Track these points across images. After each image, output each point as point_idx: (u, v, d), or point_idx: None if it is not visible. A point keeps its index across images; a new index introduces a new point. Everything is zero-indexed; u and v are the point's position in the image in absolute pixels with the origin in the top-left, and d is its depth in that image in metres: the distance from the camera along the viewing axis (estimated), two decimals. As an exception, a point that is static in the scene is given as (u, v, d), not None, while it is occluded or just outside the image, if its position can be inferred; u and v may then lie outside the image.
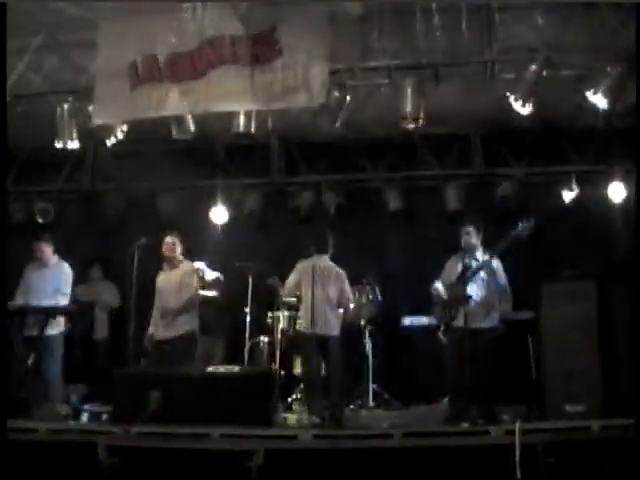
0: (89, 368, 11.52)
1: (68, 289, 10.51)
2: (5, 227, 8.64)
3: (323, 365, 10.44)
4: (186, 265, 10.75)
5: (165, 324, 10.45)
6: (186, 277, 10.62)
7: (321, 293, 9.89)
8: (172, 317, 10.48)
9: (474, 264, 9.43)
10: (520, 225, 9.35)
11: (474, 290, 9.34)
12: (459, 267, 9.48)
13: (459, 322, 9.24)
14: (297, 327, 10.72)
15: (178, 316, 10.49)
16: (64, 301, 10.37)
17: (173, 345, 10.34)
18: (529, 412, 8.94)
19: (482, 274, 9.41)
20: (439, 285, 9.69)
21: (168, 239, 10.60)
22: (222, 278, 11.49)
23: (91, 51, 9.89)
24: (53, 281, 10.40)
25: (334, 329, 10.00)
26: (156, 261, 10.76)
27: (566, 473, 6.64)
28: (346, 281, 10.20)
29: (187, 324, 10.52)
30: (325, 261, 10.20)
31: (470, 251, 9.47)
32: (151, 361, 10.33)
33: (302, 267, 10.16)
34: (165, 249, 10.57)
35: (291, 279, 10.30)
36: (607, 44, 9.32)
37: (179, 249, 10.70)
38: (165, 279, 10.65)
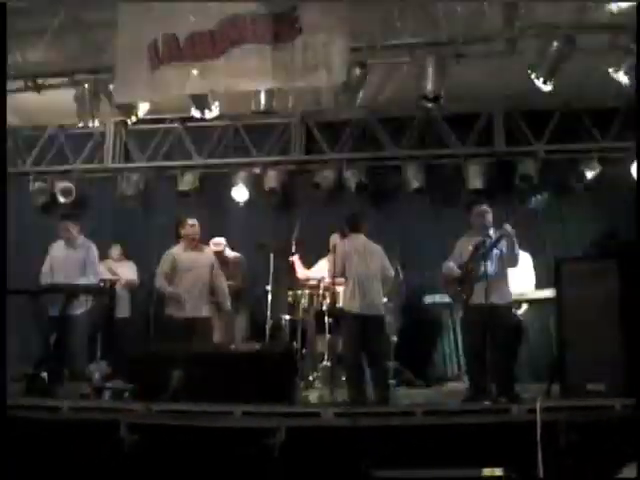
0: (111, 347, 11.57)
1: (95, 268, 10.53)
2: (5, 215, 8.63)
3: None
4: (208, 249, 10.86)
5: (193, 304, 10.50)
6: (210, 260, 10.69)
7: (369, 271, 9.80)
8: (198, 297, 10.53)
9: (487, 241, 9.38)
10: (533, 198, 9.31)
11: (489, 267, 9.28)
12: (470, 246, 9.43)
13: (475, 299, 9.21)
14: (343, 306, 10.49)
15: (201, 297, 10.55)
16: (93, 280, 10.39)
17: (193, 326, 10.38)
18: (550, 390, 8.94)
19: (496, 251, 9.35)
20: (451, 264, 9.62)
21: (193, 222, 10.60)
22: (243, 259, 11.53)
23: (112, 31, 9.90)
24: (80, 261, 10.41)
25: (382, 307, 9.94)
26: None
27: (587, 451, 6.63)
28: (385, 257, 10.11)
29: (207, 307, 10.59)
30: (364, 239, 10.10)
31: (485, 230, 9.42)
32: (171, 340, 10.36)
33: (345, 246, 10.00)
34: (192, 232, 10.57)
35: (338, 260, 10.07)
36: (629, 21, 9.27)
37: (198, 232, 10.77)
38: (191, 259, 10.66)
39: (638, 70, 8.59)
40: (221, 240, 11.55)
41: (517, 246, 9.26)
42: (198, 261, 10.59)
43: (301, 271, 11.48)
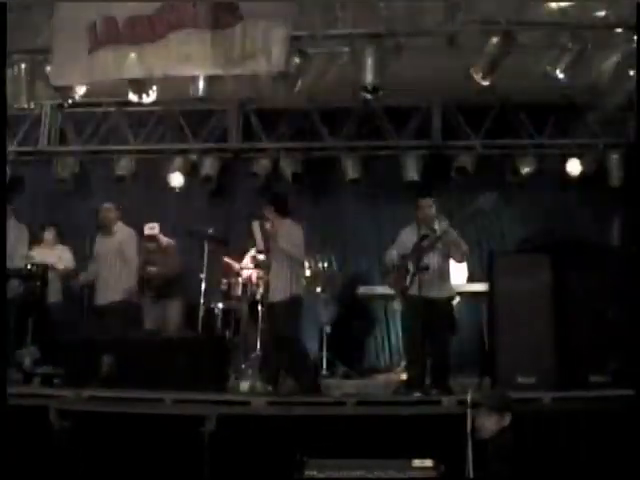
0: (41, 332, 11.43)
1: (24, 251, 10.40)
2: (5, 215, 8.57)
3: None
4: (122, 233, 11.00)
5: (105, 289, 10.56)
6: (124, 244, 10.74)
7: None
8: (113, 282, 10.58)
9: (431, 234, 9.42)
10: (482, 198, 9.35)
11: (430, 259, 9.33)
12: (414, 237, 9.46)
13: (414, 291, 9.26)
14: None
15: (118, 281, 10.59)
16: (19, 263, 10.27)
17: (112, 310, 10.41)
18: (481, 383, 9.02)
19: (438, 244, 9.40)
20: (393, 253, 9.65)
21: (107, 206, 10.71)
22: (174, 244, 11.48)
23: (49, 11, 9.75)
24: (10, 243, 10.27)
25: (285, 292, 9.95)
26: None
27: (516, 445, 6.70)
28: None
29: (125, 290, 10.63)
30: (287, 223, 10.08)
31: (428, 222, 9.47)
32: (100, 326, 10.31)
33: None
34: (101, 217, 10.69)
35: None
36: (568, 19, 9.37)
37: (114, 216, 10.89)
38: (103, 244, 10.75)
39: (638, 69, 8.66)
40: (154, 224, 11.48)
41: (459, 241, 9.33)
42: (107, 246, 10.68)
43: (235, 265, 11.49)
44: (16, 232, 10.38)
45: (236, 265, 11.39)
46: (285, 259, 9.52)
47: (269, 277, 9.78)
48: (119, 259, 10.80)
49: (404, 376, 9.69)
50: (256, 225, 10.08)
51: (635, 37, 8.88)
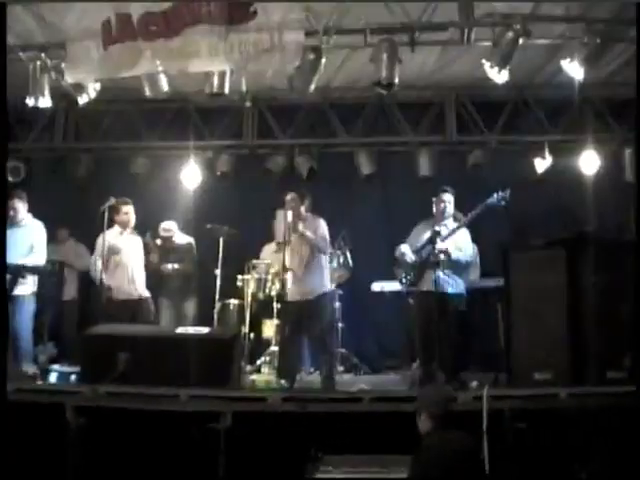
0: (58, 329, 11.46)
1: (43, 248, 10.38)
2: (5, 215, 8.56)
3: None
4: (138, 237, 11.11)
5: (132, 285, 10.58)
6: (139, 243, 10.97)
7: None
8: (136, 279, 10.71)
9: (444, 231, 9.41)
10: (495, 195, 9.33)
11: (443, 256, 9.31)
12: (428, 233, 9.45)
13: (425, 286, 9.24)
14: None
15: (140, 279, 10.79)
16: (40, 260, 10.24)
17: (132, 307, 10.43)
18: (497, 379, 8.97)
19: (451, 241, 9.39)
20: (406, 247, 9.64)
21: (127, 209, 10.74)
22: (193, 242, 11.49)
23: (65, 9, 9.74)
24: (27, 240, 10.26)
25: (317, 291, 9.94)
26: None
27: (533, 440, 6.66)
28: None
29: (143, 288, 10.81)
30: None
31: (443, 218, 9.45)
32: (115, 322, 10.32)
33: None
34: (126, 220, 10.72)
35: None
36: (584, 13, 9.31)
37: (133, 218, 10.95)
38: (125, 242, 10.75)
39: (638, 69, 8.59)
40: (171, 225, 11.46)
41: (469, 238, 9.32)
42: (136, 244, 10.68)
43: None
44: (31, 229, 10.35)
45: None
46: (311, 253, 9.53)
47: (296, 272, 9.70)
48: (139, 256, 10.86)
49: (419, 372, 9.64)
50: (281, 214, 10.00)
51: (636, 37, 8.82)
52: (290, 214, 9.65)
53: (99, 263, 10.37)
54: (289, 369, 9.56)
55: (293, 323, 9.69)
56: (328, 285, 9.92)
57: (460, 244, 9.49)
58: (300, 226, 9.58)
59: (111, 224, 10.56)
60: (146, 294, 10.78)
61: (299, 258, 9.69)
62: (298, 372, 9.84)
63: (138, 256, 10.88)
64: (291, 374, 9.49)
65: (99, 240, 10.45)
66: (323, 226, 9.71)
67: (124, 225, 10.80)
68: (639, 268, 7.87)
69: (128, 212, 10.82)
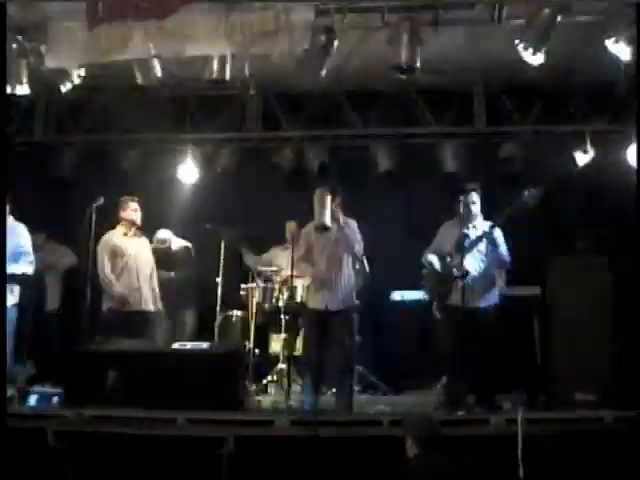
0: (38, 344, 11.44)
1: (31, 254, 10.28)
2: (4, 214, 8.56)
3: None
4: (145, 238, 11.03)
5: (137, 294, 10.53)
6: (149, 249, 10.88)
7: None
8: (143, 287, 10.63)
9: (473, 234, 9.38)
10: (527, 193, 9.27)
11: (472, 263, 9.29)
12: (454, 236, 9.41)
13: (455, 299, 9.19)
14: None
15: (150, 288, 10.67)
16: (29, 268, 10.09)
17: (136, 320, 10.37)
18: (533, 400, 8.95)
19: (481, 245, 9.36)
20: (432, 256, 9.61)
21: (136, 205, 10.65)
22: (191, 247, 11.50)
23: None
24: (10, 245, 10.19)
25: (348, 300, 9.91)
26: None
27: (574, 469, 6.63)
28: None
29: (158, 298, 10.62)
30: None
31: (471, 220, 9.41)
32: (111, 336, 10.28)
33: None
34: (135, 217, 10.63)
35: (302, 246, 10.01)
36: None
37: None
38: (133, 245, 10.68)
39: (638, 69, 8.59)
40: (166, 235, 11.46)
41: (503, 244, 9.27)
42: (144, 246, 10.65)
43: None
44: (15, 233, 10.30)
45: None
46: (347, 255, 9.51)
47: (325, 277, 9.63)
48: (147, 260, 10.85)
49: (444, 393, 9.62)
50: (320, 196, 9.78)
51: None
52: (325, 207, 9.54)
53: (108, 267, 10.37)
54: (316, 387, 9.53)
55: (319, 335, 9.62)
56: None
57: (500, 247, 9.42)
58: (340, 220, 9.48)
59: (112, 225, 10.56)
60: (153, 306, 10.65)
61: (330, 260, 9.59)
62: (323, 393, 9.84)
63: (146, 260, 10.82)
64: (317, 393, 9.48)
65: (102, 241, 10.44)
66: (356, 228, 9.66)
67: (131, 224, 10.74)
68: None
69: (137, 209, 10.79)
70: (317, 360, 9.49)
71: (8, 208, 10.23)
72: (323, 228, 9.27)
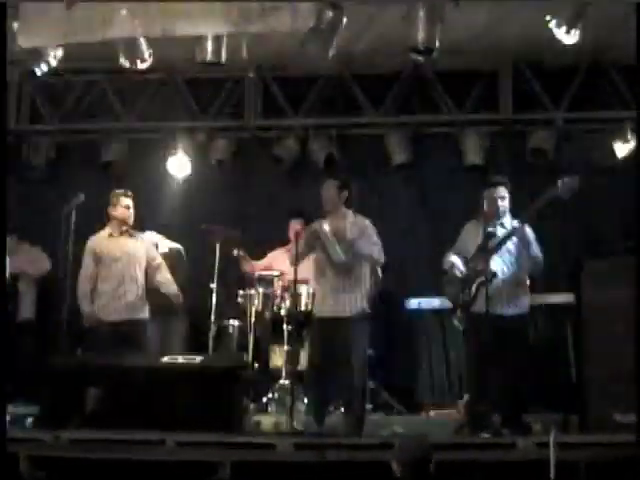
0: (10, 359, 11.41)
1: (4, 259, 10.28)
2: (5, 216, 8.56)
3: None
4: (140, 237, 10.87)
5: (118, 303, 10.46)
6: (145, 251, 10.70)
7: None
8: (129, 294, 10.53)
9: (500, 232, 9.31)
10: (560, 183, 9.20)
11: (500, 266, 9.22)
12: (480, 236, 9.35)
13: (479, 306, 9.13)
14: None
15: (135, 296, 10.52)
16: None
17: (123, 330, 10.32)
18: (567, 421, 8.91)
19: (510, 245, 9.29)
20: (455, 258, 9.55)
21: (128, 201, 10.57)
22: (182, 249, 11.46)
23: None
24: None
25: (356, 307, 9.87)
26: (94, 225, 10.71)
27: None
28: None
29: (145, 307, 10.55)
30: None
31: (498, 217, 9.35)
32: (90, 349, 10.25)
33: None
34: (125, 215, 10.55)
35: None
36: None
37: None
38: (120, 246, 10.62)
39: (638, 67, 8.58)
40: (153, 237, 11.41)
41: (536, 243, 9.20)
42: (131, 249, 10.56)
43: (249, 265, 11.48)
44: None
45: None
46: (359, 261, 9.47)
47: (331, 281, 9.59)
48: (137, 264, 10.75)
49: (467, 412, 9.59)
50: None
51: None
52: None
53: (86, 280, 10.35)
54: (320, 407, 9.51)
55: (326, 348, 9.58)
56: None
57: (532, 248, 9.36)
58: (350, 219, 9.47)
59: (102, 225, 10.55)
60: (141, 315, 10.59)
61: (339, 264, 9.54)
62: (328, 413, 9.80)
63: (135, 264, 10.66)
64: (322, 413, 9.44)
65: (87, 245, 10.40)
66: (371, 228, 9.61)
67: (121, 223, 10.62)
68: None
69: (129, 206, 10.63)
70: (323, 375, 9.47)
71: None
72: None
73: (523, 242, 9.18)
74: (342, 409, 9.83)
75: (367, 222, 9.63)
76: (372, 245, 9.45)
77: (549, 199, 9.20)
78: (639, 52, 8.61)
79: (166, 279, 10.77)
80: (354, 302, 9.42)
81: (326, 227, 9.42)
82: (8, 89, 12.74)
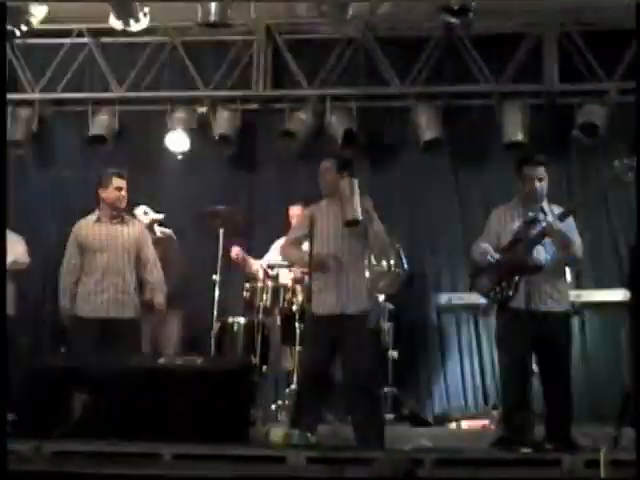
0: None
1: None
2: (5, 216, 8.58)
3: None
4: (136, 223, 10.71)
5: (98, 299, 10.41)
6: (137, 237, 10.60)
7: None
8: (118, 290, 10.47)
9: (541, 218, 9.23)
10: (616, 163, 9.14)
11: (543, 255, 9.16)
12: (515, 222, 9.27)
13: (519, 302, 9.09)
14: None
15: (121, 292, 10.47)
16: None
17: (103, 329, 10.29)
18: (619, 437, 8.89)
19: (554, 234, 9.23)
20: (487, 245, 9.45)
21: (121, 183, 10.48)
22: (173, 236, 11.44)
23: None
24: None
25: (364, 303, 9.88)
26: (79, 211, 10.66)
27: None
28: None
29: (133, 303, 10.49)
30: None
31: (537, 200, 9.27)
32: (70, 349, 10.26)
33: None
34: (116, 198, 10.46)
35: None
36: None
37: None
38: (109, 235, 10.57)
39: (638, 69, 8.54)
40: (149, 215, 11.40)
41: (577, 236, 9.15)
42: (119, 237, 10.50)
43: (254, 263, 11.47)
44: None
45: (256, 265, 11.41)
46: (359, 247, 9.44)
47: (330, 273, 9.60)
48: (133, 256, 10.66)
49: (504, 424, 9.58)
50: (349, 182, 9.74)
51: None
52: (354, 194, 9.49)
53: (69, 271, 10.32)
54: (309, 416, 9.48)
55: (324, 349, 9.58)
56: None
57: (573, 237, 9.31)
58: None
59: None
60: (133, 312, 10.48)
61: (339, 250, 9.52)
62: (322, 421, 9.78)
63: (123, 255, 10.48)
64: (312, 424, 9.41)
65: (72, 232, 10.36)
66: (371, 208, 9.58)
67: (112, 207, 10.51)
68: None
69: (122, 187, 10.41)
70: (322, 379, 9.47)
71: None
72: (355, 223, 9.19)
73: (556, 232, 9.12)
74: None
75: (370, 203, 9.55)
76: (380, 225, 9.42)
77: (606, 181, 9.14)
78: (639, 52, 8.55)
79: (154, 279, 10.53)
80: (357, 297, 9.39)
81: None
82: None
